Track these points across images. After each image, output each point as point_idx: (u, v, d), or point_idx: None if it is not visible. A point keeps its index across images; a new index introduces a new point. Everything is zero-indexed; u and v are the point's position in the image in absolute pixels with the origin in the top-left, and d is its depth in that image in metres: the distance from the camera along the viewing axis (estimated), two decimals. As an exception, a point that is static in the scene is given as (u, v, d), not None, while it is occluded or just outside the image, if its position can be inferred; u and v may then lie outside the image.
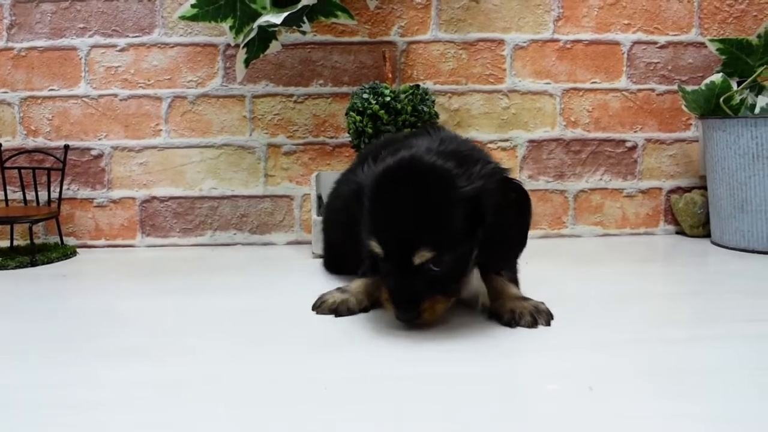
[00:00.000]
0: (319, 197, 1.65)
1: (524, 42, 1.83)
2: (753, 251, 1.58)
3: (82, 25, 1.76)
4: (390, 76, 1.64)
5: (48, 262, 1.59)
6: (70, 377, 0.82)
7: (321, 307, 1.10)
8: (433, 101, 1.57)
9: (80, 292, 1.32)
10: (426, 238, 0.93)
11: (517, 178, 1.04)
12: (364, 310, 1.10)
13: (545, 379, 0.80)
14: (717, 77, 1.65)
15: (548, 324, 1.01)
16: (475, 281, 1.24)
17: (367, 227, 0.98)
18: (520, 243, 1.04)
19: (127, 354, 0.91)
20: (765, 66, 1.68)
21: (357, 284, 1.13)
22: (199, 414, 0.70)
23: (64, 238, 1.77)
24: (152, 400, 0.74)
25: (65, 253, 1.66)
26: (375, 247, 0.96)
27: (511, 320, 1.00)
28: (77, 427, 0.67)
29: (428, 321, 0.98)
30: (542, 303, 1.04)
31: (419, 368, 0.84)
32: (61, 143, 1.76)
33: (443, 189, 0.94)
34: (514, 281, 1.10)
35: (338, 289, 1.14)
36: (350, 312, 1.09)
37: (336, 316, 1.08)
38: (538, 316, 1.01)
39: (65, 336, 1.01)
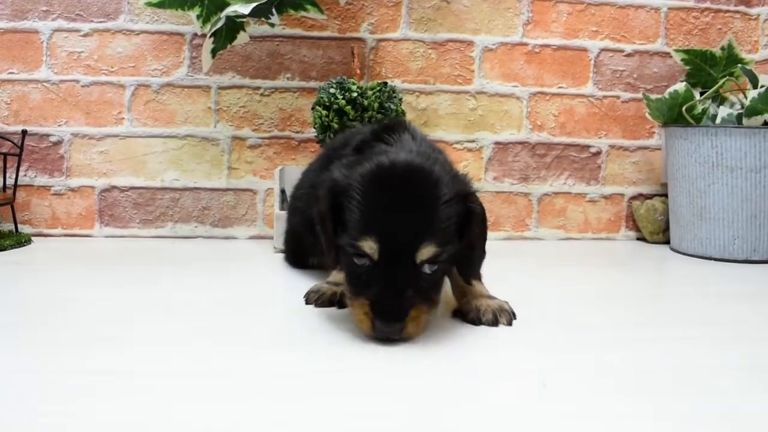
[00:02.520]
0: (283, 192, 1.64)
1: (493, 44, 1.83)
2: (710, 258, 1.61)
3: (45, 8, 1.72)
4: (358, 72, 1.64)
5: (1, 250, 1.55)
6: (16, 364, 0.80)
7: (320, 300, 1.09)
8: (401, 99, 1.57)
9: (32, 280, 1.28)
10: (431, 232, 0.89)
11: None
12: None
13: (501, 375, 0.80)
14: (680, 86, 1.67)
15: (510, 324, 1.00)
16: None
17: (359, 226, 0.91)
18: (484, 252, 1.05)
19: (77, 343, 0.89)
20: (727, 78, 1.71)
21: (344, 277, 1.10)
22: (149, 404, 0.68)
23: (19, 226, 1.73)
24: (100, 389, 0.72)
25: (19, 240, 1.62)
26: (368, 246, 0.89)
27: (475, 318, 1.00)
28: (22, 413, 0.65)
29: (412, 334, 0.92)
30: (507, 303, 1.04)
31: (376, 362, 0.83)
32: (19, 128, 1.72)
33: (441, 188, 0.91)
34: (478, 278, 1.10)
35: (328, 282, 1.13)
36: None
37: (339, 307, 1.07)
38: (500, 316, 1.01)
39: (13, 323, 0.98)
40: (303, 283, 1.23)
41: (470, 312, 1.02)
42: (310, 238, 1.26)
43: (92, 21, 1.73)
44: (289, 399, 0.70)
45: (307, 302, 1.10)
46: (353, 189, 0.92)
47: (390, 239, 0.89)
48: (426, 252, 0.89)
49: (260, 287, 1.26)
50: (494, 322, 1.00)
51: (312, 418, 0.66)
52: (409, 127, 1.13)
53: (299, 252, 1.39)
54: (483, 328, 0.99)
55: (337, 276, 1.13)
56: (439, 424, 0.65)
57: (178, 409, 0.67)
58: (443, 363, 0.84)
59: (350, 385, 0.75)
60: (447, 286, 1.09)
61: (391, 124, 1.14)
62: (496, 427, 0.64)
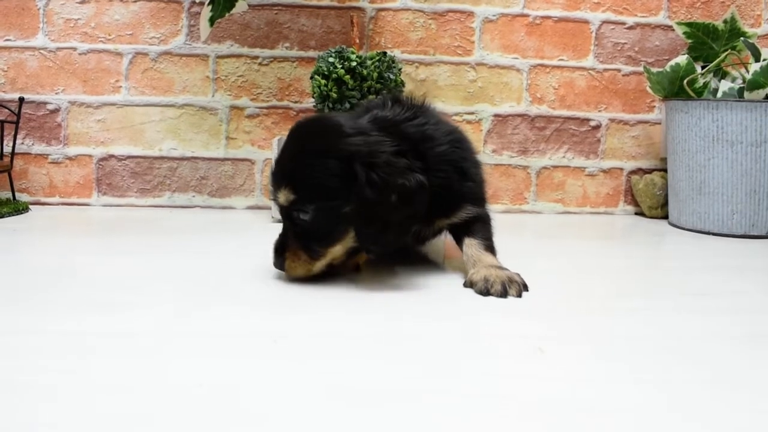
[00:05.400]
0: (281, 162, 1.63)
1: (494, 15, 1.82)
2: (709, 233, 1.60)
3: (41, -26, 1.70)
4: (357, 41, 1.62)
5: (-2, 217, 1.55)
6: (16, 326, 0.80)
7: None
8: (400, 69, 1.56)
9: (30, 247, 1.29)
10: (289, 179, 0.99)
11: (417, 175, 0.98)
12: (356, 269, 1.12)
13: (500, 339, 0.80)
14: (682, 59, 1.66)
15: (519, 295, 0.99)
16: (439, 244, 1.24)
17: None
18: (402, 232, 1.03)
19: (75, 307, 0.89)
20: (729, 51, 1.70)
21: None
22: (146, 363, 0.69)
23: (17, 194, 1.73)
24: (98, 349, 0.72)
25: (17, 208, 1.62)
26: (271, 191, 1.05)
27: (483, 289, 1.00)
28: (21, 371, 0.65)
29: (287, 270, 1.04)
30: (518, 274, 1.03)
31: (373, 327, 0.83)
32: (16, 96, 1.71)
33: (320, 143, 1.00)
34: (491, 249, 1.10)
35: None
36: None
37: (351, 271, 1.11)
38: (510, 287, 0.99)
39: (11, 288, 0.98)
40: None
41: (478, 282, 1.01)
42: None
43: (89, -13, 1.72)
44: (287, 359, 0.71)
45: None
46: None
47: (272, 185, 1.04)
48: (284, 195, 1.00)
49: (258, 257, 1.26)
50: (503, 293, 0.98)
51: (312, 377, 0.66)
52: (421, 99, 1.16)
53: None
54: (485, 297, 0.99)
55: None
56: (433, 384, 0.65)
57: (174, 366, 0.68)
58: (441, 328, 0.84)
59: (349, 347, 0.76)
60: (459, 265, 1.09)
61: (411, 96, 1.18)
62: (491, 387, 0.65)
